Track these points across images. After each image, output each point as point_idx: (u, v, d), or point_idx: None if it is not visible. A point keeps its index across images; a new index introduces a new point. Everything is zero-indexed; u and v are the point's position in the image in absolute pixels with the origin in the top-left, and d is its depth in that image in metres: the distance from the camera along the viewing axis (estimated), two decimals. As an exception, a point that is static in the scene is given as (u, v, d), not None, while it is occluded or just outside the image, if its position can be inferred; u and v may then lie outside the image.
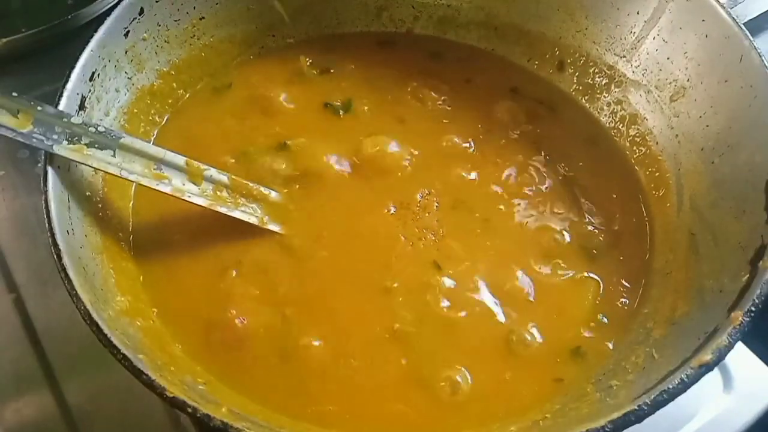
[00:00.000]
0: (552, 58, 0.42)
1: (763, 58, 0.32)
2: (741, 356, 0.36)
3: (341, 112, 0.40)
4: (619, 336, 0.33)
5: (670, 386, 0.25)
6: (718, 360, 0.25)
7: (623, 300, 0.34)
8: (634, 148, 0.40)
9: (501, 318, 0.33)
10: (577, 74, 0.42)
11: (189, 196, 0.33)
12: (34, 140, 0.30)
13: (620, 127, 0.40)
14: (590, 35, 0.41)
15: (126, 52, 0.36)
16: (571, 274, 0.34)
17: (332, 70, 0.42)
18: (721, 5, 0.34)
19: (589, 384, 0.31)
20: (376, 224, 0.35)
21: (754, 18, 0.47)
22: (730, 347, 0.26)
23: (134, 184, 0.35)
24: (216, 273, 0.34)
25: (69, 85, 0.32)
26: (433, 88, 0.41)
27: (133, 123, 0.37)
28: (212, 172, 0.34)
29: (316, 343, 0.31)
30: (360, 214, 0.36)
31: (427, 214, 0.36)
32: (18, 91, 0.30)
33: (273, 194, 0.36)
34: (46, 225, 0.28)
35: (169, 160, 0.33)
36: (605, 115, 0.41)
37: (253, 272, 0.34)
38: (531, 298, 0.33)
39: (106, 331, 0.25)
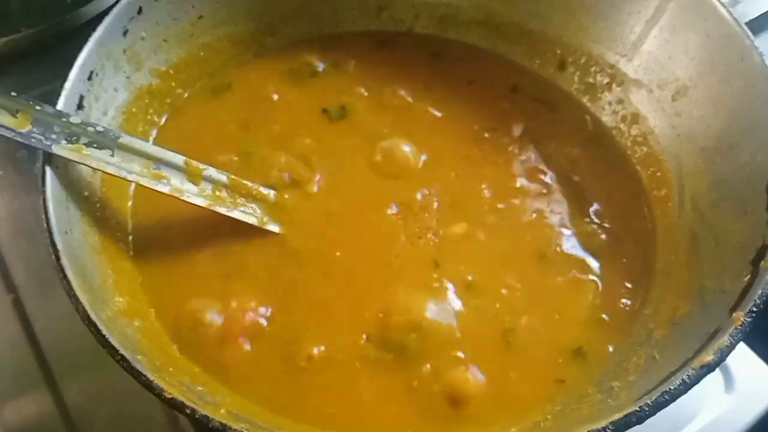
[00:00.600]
0: (553, 58, 0.42)
1: (764, 57, 0.32)
2: (742, 357, 0.36)
3: (339, 116, 0.40)
4: (621, 337, 0.32)
5: (672, 387, 0.25)
6: (720, 360, 0.25)
7: (624, 300, 0.34)
8: (636, 147, 0.39)
9: (501, 318, 0.33)
10: (578, 73, 0.42)
11: (188, 196, 0.33)
12: (33, 140, 0.30)
13: (621, 126, 0.40)
14: (591, 34, 0.40)
15: (125, 52, 0.36)
16: (572, 275, 0.34)
17: (332, 70, 0.42)
18: (722, 5, 0.34)
19: (591, 385, 0.31)
20: (375, 224, 0.35)
21: (755, 18, 0.47)
22: (731, 348, 0.26)
23: (133, 184, 0.35)
24: (215, 273, 0.33)
25: (68, 85, 0.32)
26: (433, 88, 0.41)
27: (132, 122, 0.37)
28: (211, 172, 0.34)
29: (316, 344, 0.31)
30: (359, 214, 0.36)
31: (427, 214, 0.36)
32: (17, 90, 0.30)
33: (272, 194, 0.36)
34: (45, 225, 0.28)
35: (167, 160, 0.33)
36: (606, 114, 0.41)
37: (252, 273, 0.33)
38: (532, 299, 0.33)
39: (104, 331, 0.25)
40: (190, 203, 0.33)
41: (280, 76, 0.41)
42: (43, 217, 0.28)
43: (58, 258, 0.27)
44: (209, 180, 0.34)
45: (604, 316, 0.33)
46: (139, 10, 0.36)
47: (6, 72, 0.44)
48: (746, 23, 0.34)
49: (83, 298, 0.26)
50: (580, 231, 0.36)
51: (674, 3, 0.36)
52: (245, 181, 0.35)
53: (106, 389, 0.34)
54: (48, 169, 0.30)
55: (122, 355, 0.25)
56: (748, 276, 0.28)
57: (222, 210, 0.34)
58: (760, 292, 0.27)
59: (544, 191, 0.37)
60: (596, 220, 0.37)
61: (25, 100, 0.30)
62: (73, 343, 0.35)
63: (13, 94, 0.30)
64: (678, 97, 0.37)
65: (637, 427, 0.24)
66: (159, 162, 0.33)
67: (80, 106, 0.33)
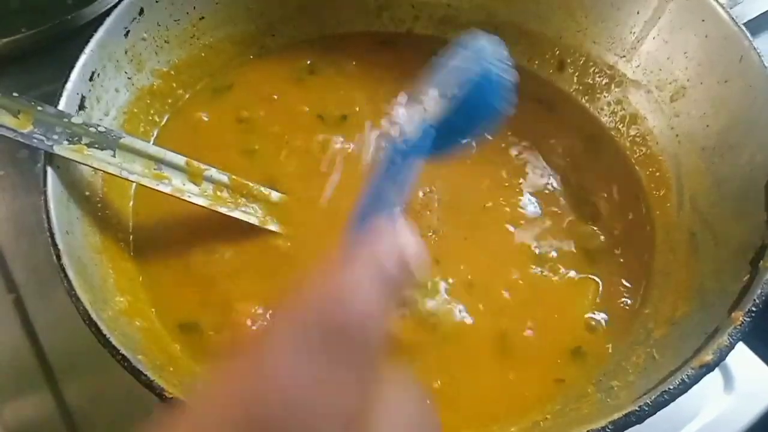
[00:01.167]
0: (552, 58, 0.42)
1: (763, 58, 0.32)
2: (742, 356, 0.36)
3: (339, 116, 0.40)
4: (620, 336, 0.32)
5: (671, 387, 0.25)
6: (719, 360, 0.25)
7: (624, 300, 0.34)
8: (635, 148, 0.39)
9: (501, 318, 0.33)
10: (577, 74, 0.42)
11: (189, 197, 0.33)
12: (35, 140, 0.30)
13: (620, 127, 0.40)
14: (590, 35, 0.41)
15: (126, 52, 0.36)
16: (571, 275, 0.34)
17: (332, 70, 0.42)
18: (721, 5, 0.34)
19: (590, 384, 0.31)
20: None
21: (754, 18, 0.47)
22: (730, 347, 0.26)
23: (134, 184, 0.35)
24: (216, 273, 0.34)
25: (69, 85, 0.32)
26: (433, 88, 0.41)
27: (133, 123, 0.37)
28: (212, 172, 0.34)
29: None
30: (360, 214, 0.36)
31: (427, 212, 0.36)
32: (18, 91, 0.30)
33: (274, 194, 0.36)
34: (46, 225, 0.28)
35: (169, 160, 0.33)
36: (605, 114, 0.41)
37: (253, 273, 0.34)
38: (531, 298, 0.33)
39: (105, 331, 0.25)
40: (192, 203, 0.33)
41: (280, 76, 0.42)
42: (44, 217, 0.28)
43: (59, 258, 0.27)
44: (210, 180, 0.34)
45: (603, 315, 0.33)
46: (141, 11, 0.36)
47: (7, 72, 0.44)
48: (745, 24, 0.34)
49: (84, 298, 0.26)
50: (579, 231, 0.36)
51: (673, 4, 0.36)
52: (246, 181, 0.35)
53: (106, 389, 0.34)
54: (49, 170, 0.30)
55: (123, 355, 0.25)
56: (748, 276, 0.28)
57: (223, 210, 0.34)
58: (759, 291, 0.27)
59: (543, 191, 0.38)
60: (595, 221, 0.37)
61: (27, 100, 0.30)
62: (74, 343, 0.35)
63: (15, 94, 0.30)
64: (677, 98, 0.37)
65: (637, 426, 0.24)
66: (160, 162, 0.33)
67: (81, 107, 0.33)
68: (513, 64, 0.20)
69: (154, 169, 0.32)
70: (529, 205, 0.37)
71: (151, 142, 0.38)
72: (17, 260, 0.39)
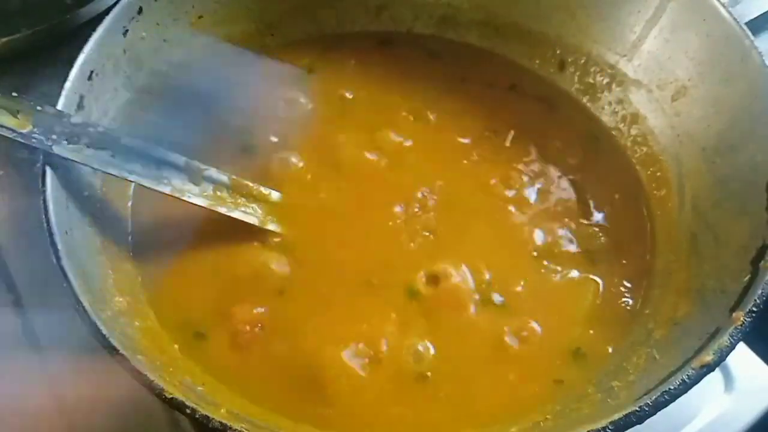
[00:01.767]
0: (553, 58, 0.42)
1: (764, 58, 0.32)
2: (742, 357, 0.36)
3: (340, 116, 0.40)
4: (620, 337, 0.32)
5: (672, 387, 0.25)
6: (720, 360, 0.25)
7: (624, 300, 0.34)
8: (635, 147, 0.39)
9: (500, 318, 0.33)
10: (577, 73, 0.42)
11: (189, 197, 0.33)
12: (34, 140, 0.30)
13: (621, 126, 0.40)
14: (591, 34, 0.40)
15: (125, 52, 0.36)
16: (571, 275, 0.34)
17: (332, 70, 0.42)
18: (722, 5, 0.34)
19: (590, 385, 0.31)
20: (376, 223, 0.35)
21: (755, 18, 0.47)
22: (731, 347, 0.26)
23: (133, 184, 0.35)
24: (215, 273, 0.34)
25: (68, 85, 0.32)
26: (433, 88, 0.41)
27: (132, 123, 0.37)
28: (212, 172, 0.34)
29: (316, 345, 0.31)
30: (360, 213, 0.36)
31: (427, 213, 0.36)
32: (17, 90, 0.30)
33: (273, 194, 0.36)
34: (45, 225, 0.28)
35: (168, 161, 0.33)
36: (606, 114, 0.41)
37: (253, 273, 0.33)
38: (531, 299, 0.33)
39: (104, 331, 0.25)
40: (191, 203, 0.33)
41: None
42: (43, 217, 0.28)
43: (58, 258, 0.27)
44: (210, 180, 0.34)
45: (603, 316, 0.33)
46: (140, 10, 0.36)
47: (6, 72, 0.44)
48: (746, 23, 0.34)
49: (83, 298, 0.26)
50: (580, 231, 0.36)
51: (674, 3, 0.36)
52: (246, 182, 0.35)
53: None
54: (48, 170, 0.29)
55: (122, 355, 0.25)
56: (748, 276, 0.28)
57: (223, 210, 0.34)
58: (760, 291, 0.27)
59: (544, 191, 0.37)
60: (596, 220, 0.37)
61: (26, 100, 0.30)
62: (74, 343, 0.35)
63: (14, 94, 0.30)
64: (678, 97, 0.37)
65: (637, 426, 0.24)
66: (160, 162, 0.33)
67: (80, 107, 0.33)
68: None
69: (154, 169, 0.32)
70: (529, 205, 0.37)
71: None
72: (17, 260, 0.39)
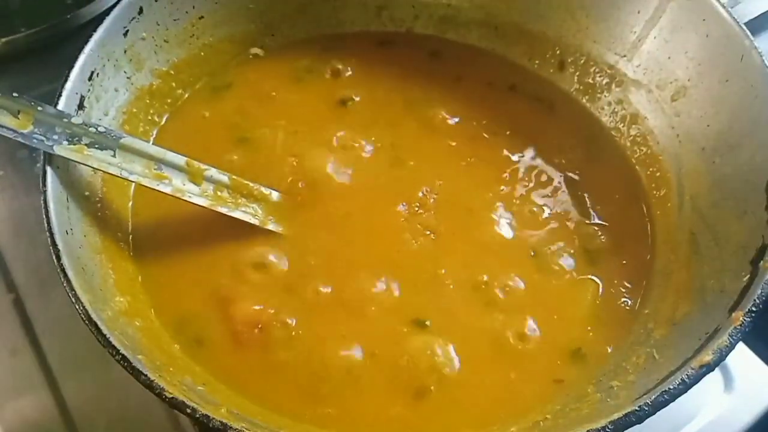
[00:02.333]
0: (552, 58, 0.42)
1: (764, 57, 0.32)
2: (742, 356, 0.36)
3: (339, 116, 0.40)
4: (620, 337, 0.32)
5: (671, 387, 0.25)
6: (719, 360, 0.25)
7: (624, 300, 0.34)
8: (635, 147, 0.39)
9: (501, 318, 0.33)
10: (577, 74, 0.42)
11: (189, 197, 0.33)
12: (35, 141, 0.30)
13: (621, 126, 0.40)
14: (591, 34, 0.40)
15: (125, 52, 0.36)
16: (571, 275, 0.34)
17: (332, 70, 0.42)
18: (722, 5, 0.34)
19: (590, 385, 0.31)
20: (376, 222, 0.35)
21: (755, 18, 0.47)
22: (731, 347, 0.26)
23: (134, 184, 0.35)
24: (215, 273, 0.34)
25: (68, 85, 0.32)
26: (433, 88, 0.41)
27: (133, 123, 0.37)
28: (213, 172, 0.34)
29: (317, 345, 0.31)
30: (360, 212, 0.36)
31: (428, 212, 0.36)
32: (17, 91, 0.30)
33: (274, 194, 0.36)
34: (45, 225, 0.28)
35: (169, 160, 0.33)
36: (606, 114, 0.41)
37: (253, 273, 0.33)
38: (531, 299, 0.33)
39: (104, 331, 0.25)
40: (192, 203, 0.33)
41: (280, 76, 0.41)
42: (44, 217, 0.28)
43: (58, 258, 0.27)
44: (210, 180, 0.34)
45: (603, 316, 0.33)
46: (140, 11, 0.36)
47: (6, 72, 0.44)
48: (746, 23, 0.34)
49: (84, 298, 0.26)
50: (580, 231, 0.36)
51: (674, 3, 0.36)
52: (246, 182, 0.35)
53: (106, 389, 0.34)
54: (49, 170, 0.30)
55: (123, 355, 0.25)
56: (748, 276, 0.28)
57: (223, 210, 0.34)
58: (759, 291, 0.27)
59: (544, 191, 0.37)
60: (595, 220, 0.37)
61: (27, 100, 0.30)
62: (74, 343, 0.35)
63: (15, 94, 0.30)
64: (677, 98, 0.37)
65: (637, 426, 0.24)
66: (160, 162, 0.33)
67: (81, 107, 0.33)
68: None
69: (154, 169, 0.32)
70: (529, 205, 0.37)
71: (151, 142, 0.38)
72: (17, 260, 0.39)
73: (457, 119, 0.40)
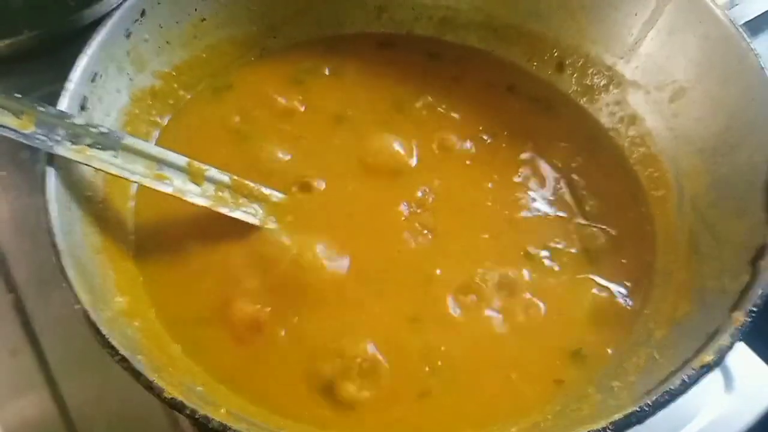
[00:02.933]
0: (551, 59, 0.42)
1: (761, 59, 0.32)
2: (742, 356, 0.36)
3: (340, 116, 0.40)
4: (620, 337, 0.32)
5: (672, 387, 0.25)
6: (719, 360, 0.25)
7: (624, 301, 0.34)
8: (634, 148, 0.40)
9: (500, 318, 0.33)
10: (576, 75, 0.42)
11: (190, 197, 0.33)
12: (37, 141, 0.30)
13: (619, 127, 0.40)
14: (589, 36, 0.41)
15: (127, 53, 0.36)
16: (571, 275, 0.34)
17: (332, 71, 0.42)
18: (719, 7, 0.34)
19: (590, 385, 0.31)
20: (376, 222, 0.35)
21: (752, 19, 0.48)
22: (731, 347, 0.26)
23: (135, 184, 0.35)
24: (216, 274, 0.34)
25: (70, 86, 0.32)
26: (432, 89, 0.41)
27: (135, 124, 0.37)
28: (213, 173, 0.34)
29: (318, 345, 0.31)
30: (360, 212, 0.36)
31: (426, 212, 0.36)
32: (20, 92, 0.30)
33: (275, 194, 0.36)
34: (46, 225, 0.28)
35: (170, 161, 0.33)
36: (604, 115, 0.41)
37: (254, 273, 0.34)
38: (531, 299, 0.33)
39: (104, 331, 0.25)
40: (193, 204, 0.33)
41: (281, 77, 0.42)
42: (45, 217, 0.28)
43: (59, 258, 0.27)
44: (211, 180, 0.34)
45: (603, 316, 0.33)
46: (142, 13, 0.36)
47: (9, 73, 0.45)
48: (743, 25, 0.34)
49: (84, 298, 0.26)
50: (579, 231, 0.36)
51: (672, 5, 0.37)
52: (247, 182, 0.35)
53: (106, 389, 0.34)
54: (50, 170, 0.30)
55: (122, 356, 0.25)
56: (748, 276, 0.28)
57: (224, 210, 0.34)
58: (759, 292, 0.27)
59: (543, 192, 0.38)
60: (595, 221, 0.37)
61: (29, 101, 0.30)
62: (74, 343, 0.35)
63: (17, 95, 0.30)
64: (675, 99, 0.37)
65: (637, 427, 0.24)
66: (162, 163, 0.33)
67: (83, 108, 0.33)
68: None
69: (156, 169, 0.33)
70: (528, 206, 0.37)
71: (153, 143, 0.38)
72: (17, 260, 0.39)
73: (455, 120, 0.40)
